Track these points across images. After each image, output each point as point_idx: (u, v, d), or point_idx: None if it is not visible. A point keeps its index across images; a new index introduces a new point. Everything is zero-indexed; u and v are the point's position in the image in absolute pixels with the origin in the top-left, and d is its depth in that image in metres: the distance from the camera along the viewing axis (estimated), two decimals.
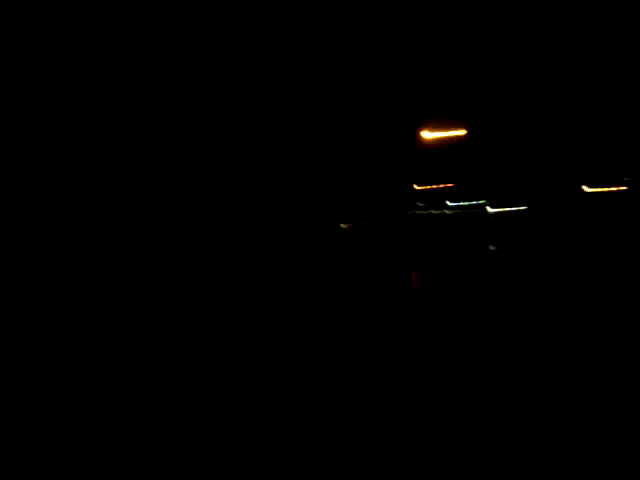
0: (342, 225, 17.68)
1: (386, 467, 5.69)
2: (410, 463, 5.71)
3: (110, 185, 16.50)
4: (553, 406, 6.67)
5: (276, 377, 7.75)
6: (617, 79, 24.79)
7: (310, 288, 13.81)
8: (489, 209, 23.08)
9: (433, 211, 21.09)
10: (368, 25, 19.26)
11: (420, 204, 21.11)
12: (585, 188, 29.23)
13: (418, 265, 17.50)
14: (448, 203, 22.31)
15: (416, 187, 21.85)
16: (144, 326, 11.60)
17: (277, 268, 16.35)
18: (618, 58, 24.07)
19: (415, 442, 6.00)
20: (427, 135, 20.87)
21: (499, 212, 23.53)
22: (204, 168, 17.22)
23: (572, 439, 5.74)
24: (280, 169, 18.09)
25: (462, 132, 22.63)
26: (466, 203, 22.77)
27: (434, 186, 22.16)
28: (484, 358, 8.19)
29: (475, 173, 23.86)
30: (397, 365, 8.16)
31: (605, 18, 22.13)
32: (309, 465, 5.94)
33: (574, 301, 11.92)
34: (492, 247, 19.20)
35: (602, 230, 24.16)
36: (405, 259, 18.08)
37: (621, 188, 30.52)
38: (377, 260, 17.34)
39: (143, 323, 11.74)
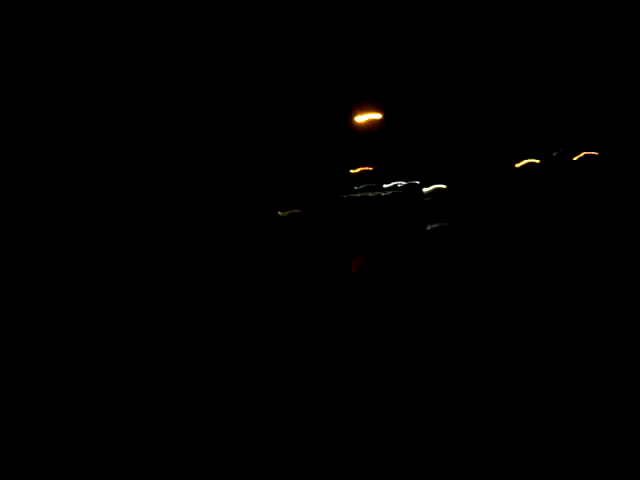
0: (280, 213, 17.70)
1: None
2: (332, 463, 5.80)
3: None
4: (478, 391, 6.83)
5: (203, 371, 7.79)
6: (537, 58, 25.29)
7: (251, 277, 13.82)
8: (424, 189, 23.37)
9: (369, 194, 21.26)
10: (299, 19, 19.26)
11: (356, 187, 21.27)
12: (515, 164, 29.74)
13: (357, 249, 17.62)
14: (384, 185, 22.53)
15: (351, 171, 22.02)
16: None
17: (216, 258, 16.29)
18: (530, 33, 24.52)
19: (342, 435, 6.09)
20: (358, 119, 21.00)
21: (433, 191, 23.83)
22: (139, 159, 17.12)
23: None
24: (216, 160, 18.02)
25: (389, 115, 22.86)
26: (401, 184, 23.02)
27: (369, 169, 22.34)
28: (425, 342, 8.32)
29: (407, 155, 24.10)
30: (337, 353, 8.23)
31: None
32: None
33: (513, 278, 12.16)
34: (429, 227, 19.44)
35: (533, 204, 24.64)
36: (344, 243, 18.18)
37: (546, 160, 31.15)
38: (317, 246, 17.40)
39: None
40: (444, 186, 23.29)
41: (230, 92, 18.44)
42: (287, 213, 18.00)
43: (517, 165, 29.32)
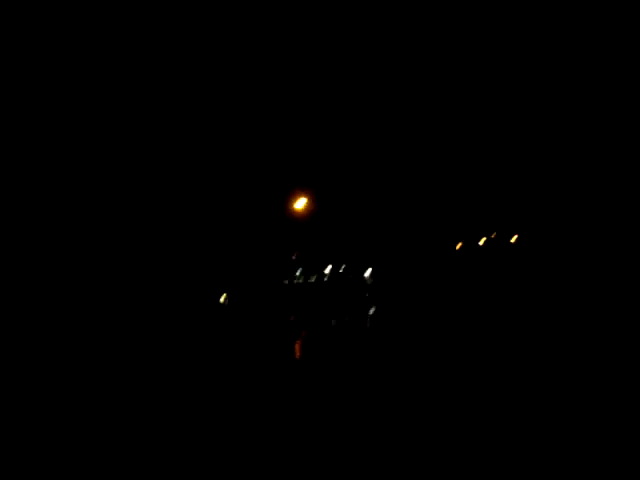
0: (221, 300, 17.52)
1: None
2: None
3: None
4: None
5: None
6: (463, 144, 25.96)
7: (196, 364, 13.56)
8: (367, 275, 23.51)
9: (311, 279, 21.25)
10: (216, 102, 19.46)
11: (298, 273, 21.24)
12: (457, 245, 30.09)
13: (299, 334, 17.51)
14: (326, 271, 22.58)
15: (293, 257, 22.00)
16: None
17: (162, 344, 16.00)
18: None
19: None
20: (294, 205, 21.12)
21: (375, 277, 23.97)
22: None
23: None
24: (164, 249, 17.84)
25: (326, 200, 23.09)
26: (343, 270, 23.11)
27: (310, 255, 22.39)
28: (370, 430, 8.24)
29: (347, 239, 24.28)
30: (281, 440, 8.09)
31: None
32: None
33: (452, 360, 12.28)
34: (372, 311, 19.52)
35: (472, 287, 25.02)
36: (287, 329, 18.05)
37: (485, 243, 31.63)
38: (259, 332, 17.22)
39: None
40: (384, 269, 23.48)
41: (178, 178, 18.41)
42: (227, 300, 17.82)
43: (457, 247, 29.82)
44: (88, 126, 16.82)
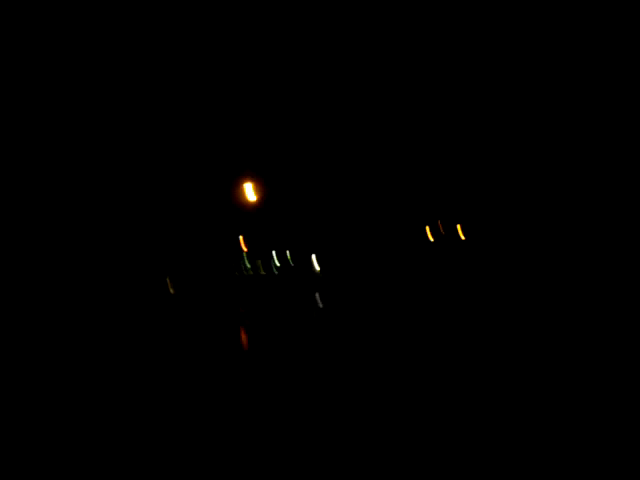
0: (170, 290, 17.46)
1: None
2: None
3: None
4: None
5: None
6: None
7: (143, 353, 13.51)
8: (316, 266, 23.53)
9: (261, 271, 21.22)
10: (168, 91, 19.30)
11: (248, 264, 21.20)
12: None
13: (249, 326, 17.55)
14: (276, 262, 22.56)
15: (244, 248, 21.95)
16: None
17: (109, 334, 15.91)
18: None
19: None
20: (243, 192, 21.07)
21: (327, 268, 24.04)
22: None
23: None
24: (115, 236, 17.68)
25: (276, 189, 23.06)
26: (292, 261, 23.10)
27: (260, 246, 22.36)
28: (317, 424, 8.34)
29: (298, 228, 24.29)
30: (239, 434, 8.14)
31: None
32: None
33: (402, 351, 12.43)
34: (320, 304, 19.59)
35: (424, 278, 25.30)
36: (236, 321, 18.07)
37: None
38: (208, 323, 17.23)
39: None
40: (336, 259, 23.57)
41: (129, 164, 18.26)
42: (177, 290, 17.72)
43: (404, 234, 30.04)
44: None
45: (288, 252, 23.07)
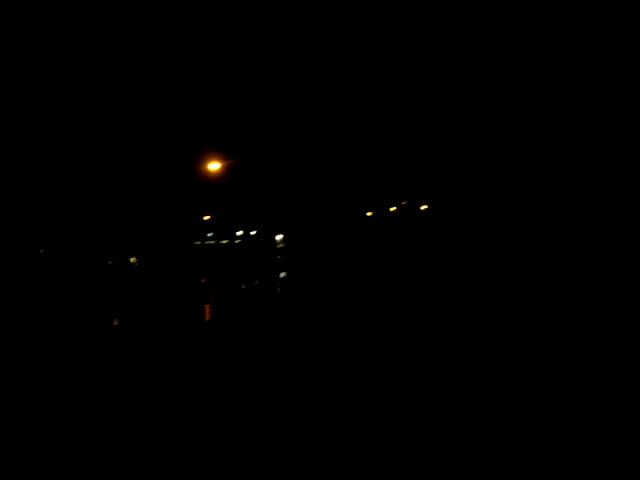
0: (131, 259, 17.28)
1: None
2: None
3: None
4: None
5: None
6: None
7: (105, 325, 13.38)
8: (278, 237, 23.48)
9: (222, 241, 21.12)
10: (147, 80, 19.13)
11: (208, 234, 21.08)
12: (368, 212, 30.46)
13: (209, 297, 17.43)
14: (236, 232, 22.48)
15: (204, 218, 21.82)
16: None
17: (71, 307, 15.73)
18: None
19: None
20: (208, 167, 20.92)
21: (285, 239, 23.99)
22: None
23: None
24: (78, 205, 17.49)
25: (240, 164, 22.96)
26: (254, 232, 23.06)
27: (220, 215, 22.25)
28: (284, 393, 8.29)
29: (259, 202, 24.20)
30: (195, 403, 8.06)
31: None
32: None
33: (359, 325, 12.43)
34: (282, 274, 19.56)
35: (383, 252, 25.33)
36: (196, 291, 17.94)
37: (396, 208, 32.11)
38: (170, 293, 17.09)
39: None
40: (296, 233, 23.52)
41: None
42: (137, 259, 17.54)
43: (367, 214, 30.11)
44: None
45: (251, 229, 22.96)
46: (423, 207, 33.57)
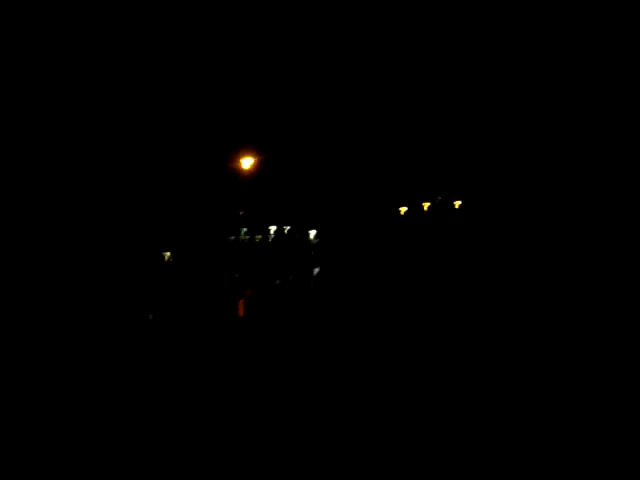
0: (165, 254, 17.33)
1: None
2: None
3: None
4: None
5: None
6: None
7: (139, 320, 13.45)
8: (312, 233, 23.41)
9: (256, 236, 21.12)
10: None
11: (244, 229, 21.08)
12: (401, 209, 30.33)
13: (243, 292, 17.46)
14: (270, 228, 22.43)
15: (240, 213, 21.82)
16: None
17: (105, 300, 15.84)
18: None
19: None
20: (242, 163, 20.93)
21: (320, 235, 23.94)
22: None
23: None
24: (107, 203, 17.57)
25: (274, 159, 22.94)
26: (287, 227, 22.99)
27: (254, 210, 22.25)
28: (313, 390, 8.26)
29: (293, 198, 24.18)
30: (232, 397, 8.06)
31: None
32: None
33: (396, 321, 12.36)
34: (316, 270, 19.49)
35: (417, 248, 25.20)
36: (230, 286, 17.97)
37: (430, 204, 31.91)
38: (204, 288, 17.12)
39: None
40: (332, 229, 23.45)
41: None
42: (171, 255, 17.61)
43: (401, 210, 29.95)
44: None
45: (287, 228, 22.98)
46: (457, 202, 33.28)
